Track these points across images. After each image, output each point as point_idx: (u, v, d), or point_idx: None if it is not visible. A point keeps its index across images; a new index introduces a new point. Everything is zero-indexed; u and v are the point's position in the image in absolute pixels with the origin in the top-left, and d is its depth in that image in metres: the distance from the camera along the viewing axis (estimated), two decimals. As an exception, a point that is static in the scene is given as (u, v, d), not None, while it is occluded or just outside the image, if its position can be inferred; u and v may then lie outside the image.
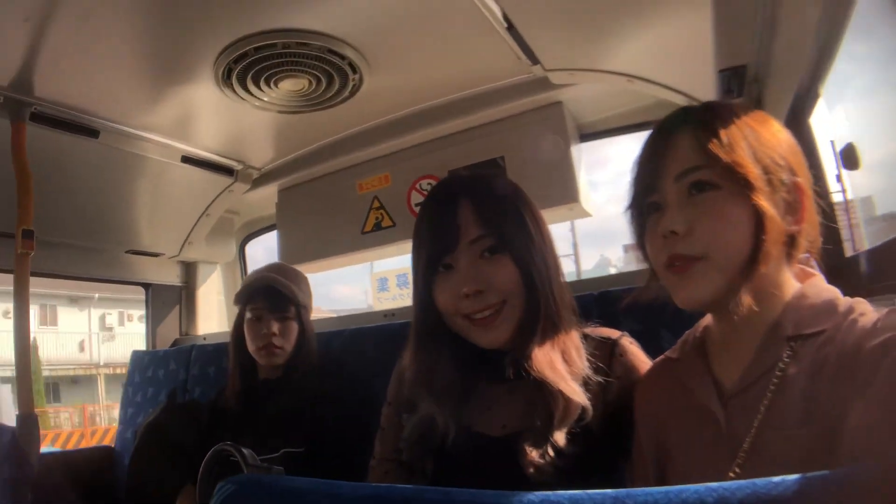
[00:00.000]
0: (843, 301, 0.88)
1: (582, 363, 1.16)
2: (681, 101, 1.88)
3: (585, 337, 1.22)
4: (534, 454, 1.07)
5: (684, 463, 0.97)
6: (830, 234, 1.45)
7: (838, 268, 1.34)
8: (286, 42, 1.85)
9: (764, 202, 0.87)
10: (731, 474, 0.85)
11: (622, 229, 1.05)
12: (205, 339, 3.19)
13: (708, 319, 1.05)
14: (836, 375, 0.78)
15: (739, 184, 0.88)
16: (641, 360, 1.20)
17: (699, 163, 0.90)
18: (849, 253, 1.42)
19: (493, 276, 1.15)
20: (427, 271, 1.20)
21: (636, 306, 1.14)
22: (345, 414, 1.85)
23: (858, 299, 0.87)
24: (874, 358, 0.71)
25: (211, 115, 2.35)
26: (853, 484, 0.51)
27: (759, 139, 0.91)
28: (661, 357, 1.13)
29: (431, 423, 1.17)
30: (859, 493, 0.50)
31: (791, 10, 1.23)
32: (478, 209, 1.18)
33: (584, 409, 1.11)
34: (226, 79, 2.01)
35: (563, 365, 1.14)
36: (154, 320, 3.31)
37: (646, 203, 0.98)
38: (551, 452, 1.07)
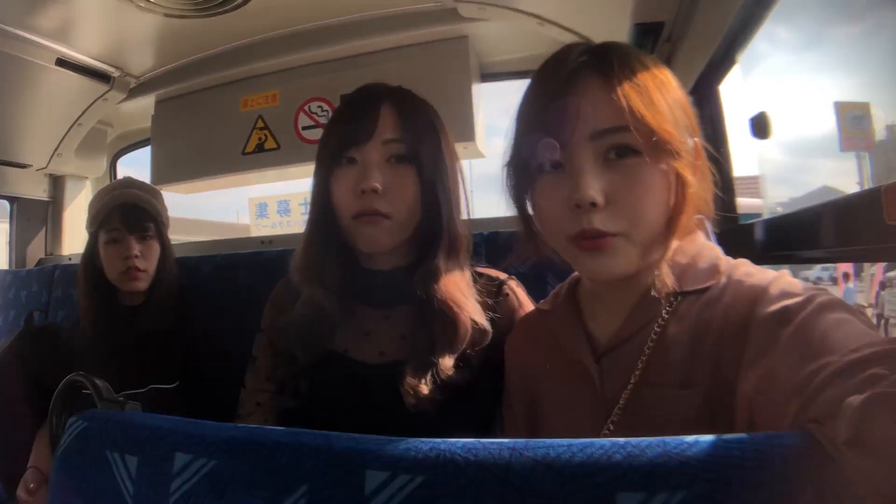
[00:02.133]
0: (725, 259, 0.87)
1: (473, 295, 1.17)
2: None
3: (475, 274, 1.23)
4: (415, 382, 1.07)
5: (556, 418, 0.96)
6: (728, 201, 1.50)
7: (731, 233, 1.37)
8: (178, -62, 1.69)
9: (688, 172, 0.82)
10: (606, 431, 0.84)
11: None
12: (70, 259, 3.00)
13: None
14: (723, 337, 0.77)
15: (662, 151, 0.80)
16: (526, 304, 1.21)
17: (620, 123, 0.79)
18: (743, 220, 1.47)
19: (394, 184, 1.14)
20: (330, 161, 1.17)
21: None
22: (214, 345, 1.73)
23: (741, 259, 0.86)
24: (769, 325, 0.70)
25: (91, 16, 2.14)
26: (774, 451, 0.49)
27: (671, 98, 0.83)
28: (532, 309, 1.12)
29: (314, 320, 1.16)
30: (780, 461, 0.49)
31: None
32: (399, 114, 1.16)
33: (482, 332, 1.12)
34: (111, -25, 1.82)
35: (466, 288, 1.17)
36: (18, 237, 3.08)
37: (542, 159, 0.86)
38: (433, 381, 1.07)
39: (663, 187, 0.81)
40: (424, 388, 1.06)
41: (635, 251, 0.82)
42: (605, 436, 0.82)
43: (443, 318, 1.12)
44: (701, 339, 0.79)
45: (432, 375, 1.07)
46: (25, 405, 1.71)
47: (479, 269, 1.25)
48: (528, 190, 0.91)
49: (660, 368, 0.82)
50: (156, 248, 1.83)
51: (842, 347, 0.58)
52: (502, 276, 1.26)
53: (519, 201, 0.95)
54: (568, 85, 0.83)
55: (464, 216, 1.24)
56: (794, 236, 1.20)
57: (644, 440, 0.51)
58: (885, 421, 0.45)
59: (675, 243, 0.87)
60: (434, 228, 1.18)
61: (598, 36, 1.80)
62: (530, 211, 0.94)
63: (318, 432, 0.61)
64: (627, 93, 0.80)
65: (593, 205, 0.79)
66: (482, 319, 1.13)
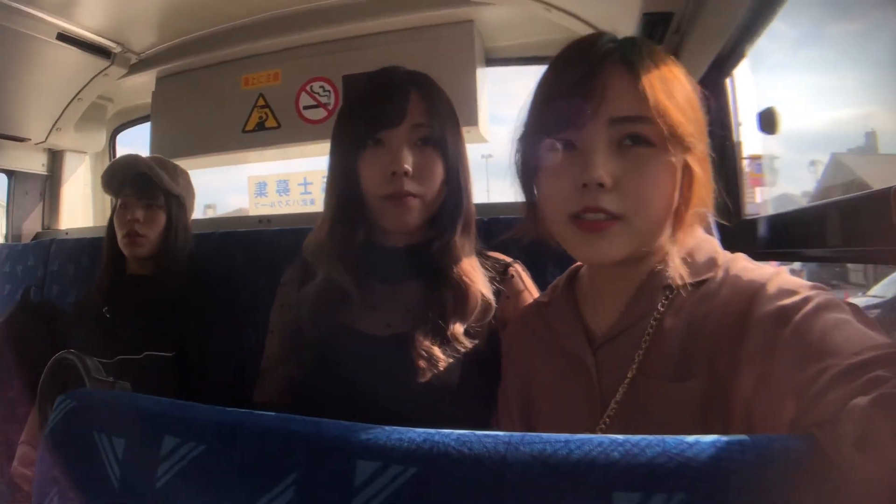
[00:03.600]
0: (723, 254, 0.87)
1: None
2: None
3: (482, 255, 1.28)
4: (428, 345, 1.11)
5: (551, 411, 0.96)
6: (733, 195, 1.49)
7: (734, 228, 1.38)
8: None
9: (698, 167, 0.84)
10: (602, 426, 0.84)
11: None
12: (67, 233, 2.98)
13: (579, 264, 1.03)
14: (720, 332, 0.77)
15: (676, 144, 0.81)
16: (530, 287, 1.27)
17: (641, 113, 0.81)
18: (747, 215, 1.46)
19: (423, 166, 1.18)
20: (356, 143, 1.21)
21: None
22: (209, 321, 1.76)
23: (739, 254, 0.87)
24: (767, 326, 0.70)
25: (92, -10, 2.11)
26: (775, 454, 0.48)
27: (686, 97, 0.85)
28: (531, 302, 1.14)
29: (325, 295, 1.20)
30: (781, 464, 0.48)
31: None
32: (424, 100, 1.21)
33: (488, 306, 1.17)
34: (113, -51, 1.79)
35: (475, 263, 1.23)
36: (15, 211, 3.06)
37: (557, 138, 0.86)
38: (444, 349, 1.11)
39: (670, 180, 0.83)
40: (437, 351, 1.10)
41: (633, 238, 0.83)
42: (601, 430, 0.83)
43: (455, 288, 1.17)
44: (697, 333, 0.80)
45: (442, 342, 1.12)
46: (19, 383, 1.73)
47: (487, 252, 1.30)
48: (536, 167, 0.91)
49: (656, 361, 0.82)
50: (161, 218, 1.86)
51: (842, 350, 0.58)
52: (508, 259, 1.30)
53: (526, 177, 0.96)
54: (594, 68, 0.84)
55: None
56: (798, 234, 1.19)
57: (643, 438, 0.50)
58: (892, 422, 0.44)
59: (669, 233, 0.88)
60: (451, 208, 1.23)
61: (606, 24, 1.79)
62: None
63: (308, 419, 0.60)
64: (653, 84, 0.81)
65: (601, 185, 0.80)
66: (489, 293, 1.18)
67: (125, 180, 1.85)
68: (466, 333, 1.14)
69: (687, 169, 0.84)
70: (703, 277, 0.84)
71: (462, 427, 0.54)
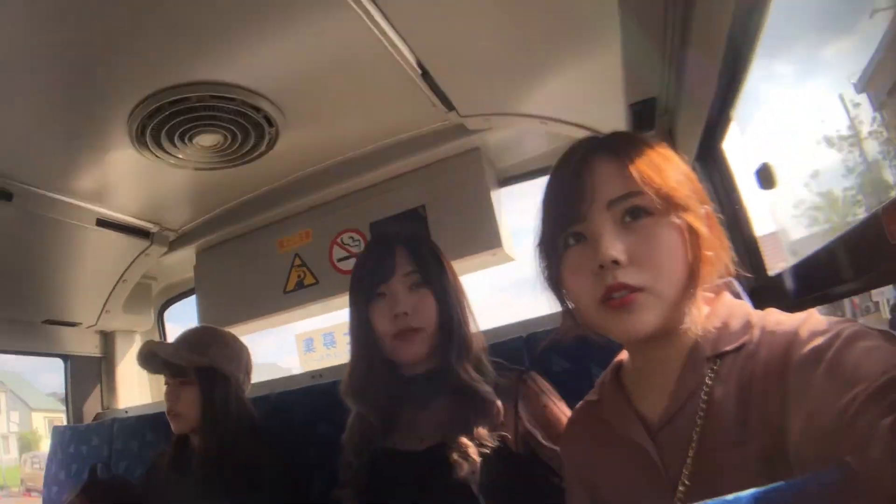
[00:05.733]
0: (755, 313, 0.89)
1: (490, 378, 1.42)
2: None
3: (496, 366, 1.48)
4: (464, 447, 1.28)
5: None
6: (752, 256, 1.51)
7: (763, 287, 1.38)
8: (200, 96, 1.82)
9: (699, 223, 0.88)
10: None
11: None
12: (126, 412, 3.03)
13: (621, 356, 1.06)
14: (766, 390, 0.77)
15: (672, 208, 0.87)
16: (549, 390, 1.43)
17: (631, 189, 0.88)
18: (771, 272, 1.47)
19: (418, 305, 1.43)
20: (365, 298, 1.46)
21: (564, 346, 1.15)
22: (276, 480, 1.75)
23: (770, 309, 0.89)
24: (803, 369, 0.71)
25: (125, 176, 2.28)
26: (813, 493, 0.51)
27: (674, 166, 0.92)
28: (581, 403, 1.15)
29: (363, 427, 1.45)
30: (819, 500, 0.51)
31: (697, 40, 1.29)
32: (410, 252, 1.47)
33: (497, 406, 1.35)
34: (140, 136, 1.95)
35: (476, 374, 1.41)
36: (74, 394, 3.12)
37: (568, 234, 0.93)
38: (477, 453, 1.27)
39: (679, 242, 0.87)
40: (473, 451, 1.27)
41: (661, 305, 0.87)
42: None
43: (473, 399, 1.36)
44: (747, 395, 0.80)
45: (472, 442, 1.28)
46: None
47: (497, 360, 1.50)
48: (558, 267, 0.96)
49: (715, 434, 0.82)
50: (193, 393, 1.87)
51: (871, 374, 0.59)
52: (521, 368, 1.50)
53: (552, 281, 1.00)
54: (581, 165, 0.93)
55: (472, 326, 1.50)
56: (822, 276, 1.20)
57: None
58: None
59: (705, 308, 0.92)
60: (447, 335, 1.44)
61: (598, 124, 1.89)
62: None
63: None
64: (634, 161, 0.90)
65: (616, 263, 0.85)
66: (491, 395, 1.36)
67: (154, 368, 1.94)
68: (492, 432, 1.30)
69: (692, 228, 0.88)
70: (742, 342, 0.85)
71: None
